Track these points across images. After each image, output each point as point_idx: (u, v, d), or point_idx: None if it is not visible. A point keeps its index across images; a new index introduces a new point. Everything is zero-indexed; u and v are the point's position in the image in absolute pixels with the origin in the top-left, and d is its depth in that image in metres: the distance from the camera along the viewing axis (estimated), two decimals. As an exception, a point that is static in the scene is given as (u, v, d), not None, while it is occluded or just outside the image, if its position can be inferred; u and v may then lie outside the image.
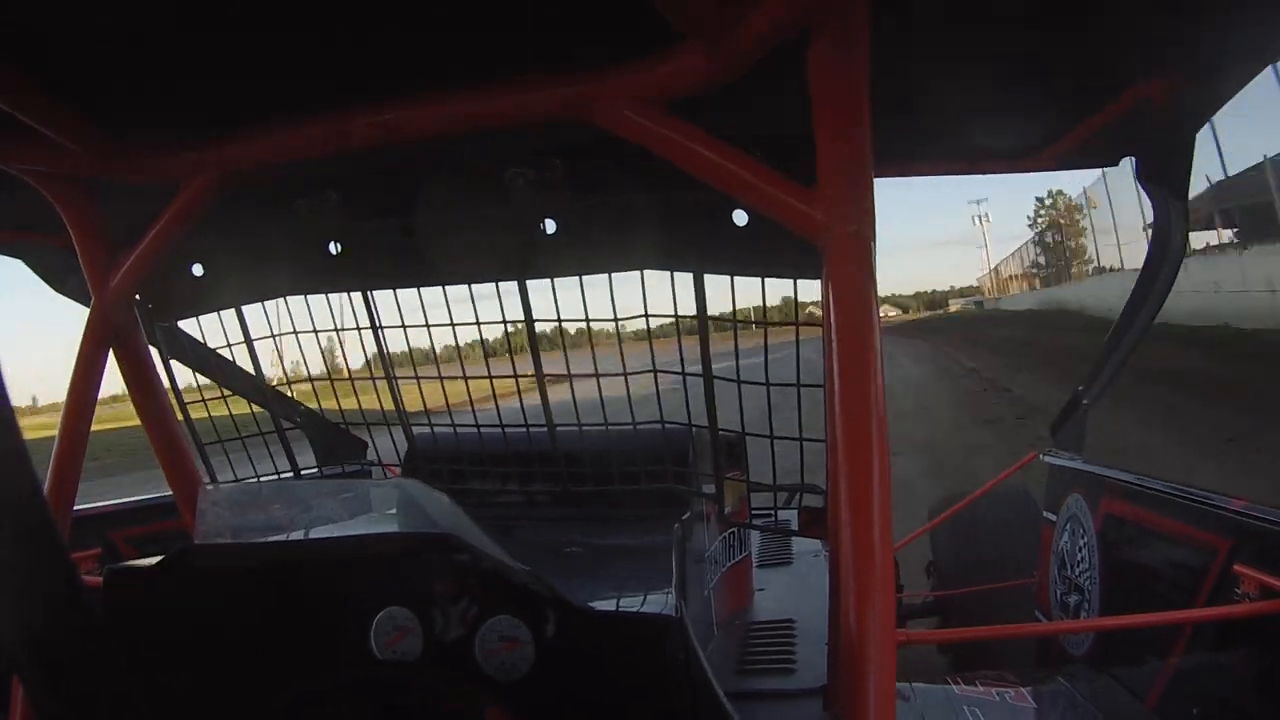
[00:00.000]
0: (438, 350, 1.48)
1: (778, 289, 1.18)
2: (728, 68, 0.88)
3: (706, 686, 0.86)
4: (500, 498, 1.46)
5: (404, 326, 1.39)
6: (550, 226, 1.22)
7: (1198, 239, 12.83)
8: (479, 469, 1.47)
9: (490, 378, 1.47)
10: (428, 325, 1.39)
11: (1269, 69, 1.25)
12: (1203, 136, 1.45)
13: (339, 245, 1.32)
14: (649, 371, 1.30)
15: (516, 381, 1.40)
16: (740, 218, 1.12)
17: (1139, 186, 1.53)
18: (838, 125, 0.87)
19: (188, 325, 1.55)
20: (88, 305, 1.28)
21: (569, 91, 0.97)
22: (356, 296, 1.38)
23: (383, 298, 1.39)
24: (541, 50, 0.97)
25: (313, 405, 1.90)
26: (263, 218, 1.32)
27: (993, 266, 52.65)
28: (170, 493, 1.43)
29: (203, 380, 1.72)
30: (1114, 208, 18.19)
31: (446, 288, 1.33)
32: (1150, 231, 1.69)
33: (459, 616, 0.98)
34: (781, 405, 1.27)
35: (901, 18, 0.88)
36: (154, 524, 2.07)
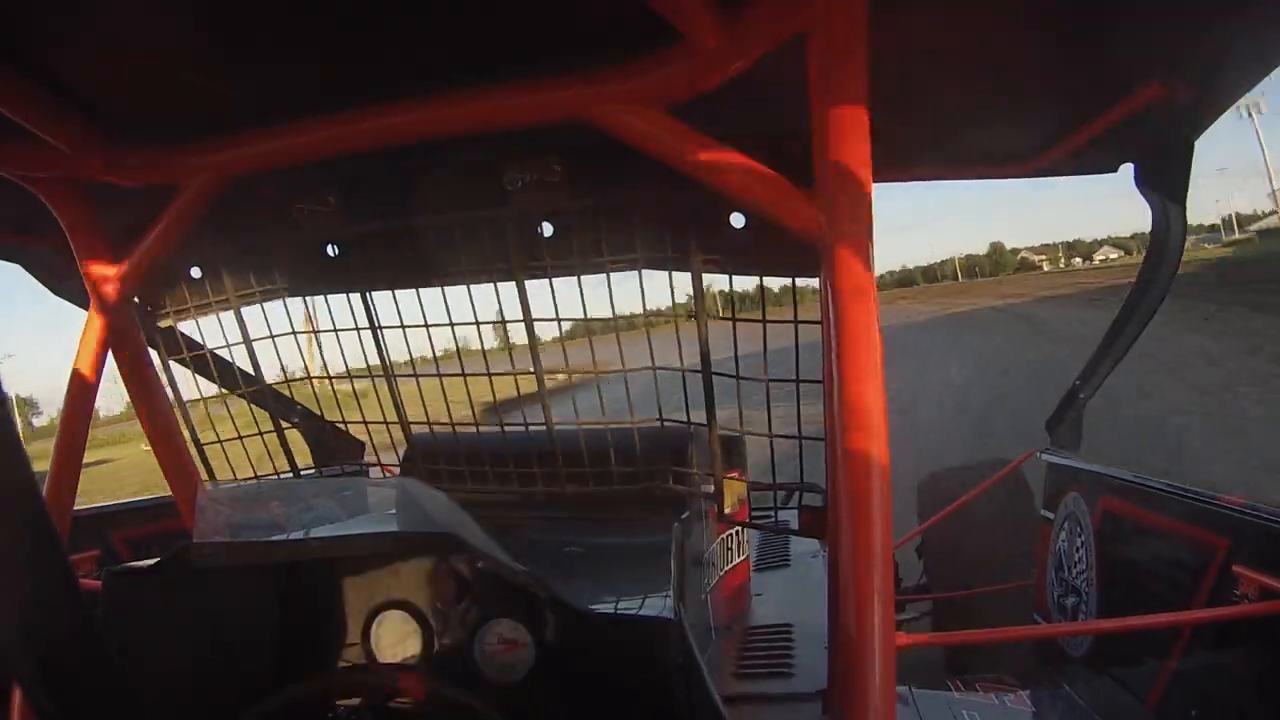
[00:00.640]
0: (437, 351, 1.48)
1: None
2: (726, 69, 0.88)
3: (703, 690, 0.86)
4: (499, 497, 1.46)
5: (403, 327, 1.39)
6: (549, 227, 1.22)
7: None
8: (477, 469, 1.46)
9: (490, 376, 1.46)
10: (426, 326, 1.39)
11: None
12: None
13: (337, 247, 1.32)
14: (648, 369, 1.30)
15: (516, 381, 1.40)
16: (739, 219, 1.12)
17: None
18: (837, 126, 0.87)
19: (187, 325, 1.55)
20: (86, 309, 1.28)
21: (568, 92, 0.97)
22: (355, 297, 1.38)
23: (382, 298, 1.39)
24: (541, 51, 0.97)
25: (312, 406, 1.90)
26: (262, 220, 1.32)
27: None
28: (169, 494, 1.42)
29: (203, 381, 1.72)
30: None
31: (445, 289, 1.33)
32: None
33: (459, 618, 0.98)
34: (784, 401, 1.27)
35: (901, 19, 0.88)
36: (152, 525, 2.06)
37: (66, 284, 1.65)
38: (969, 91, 1.22)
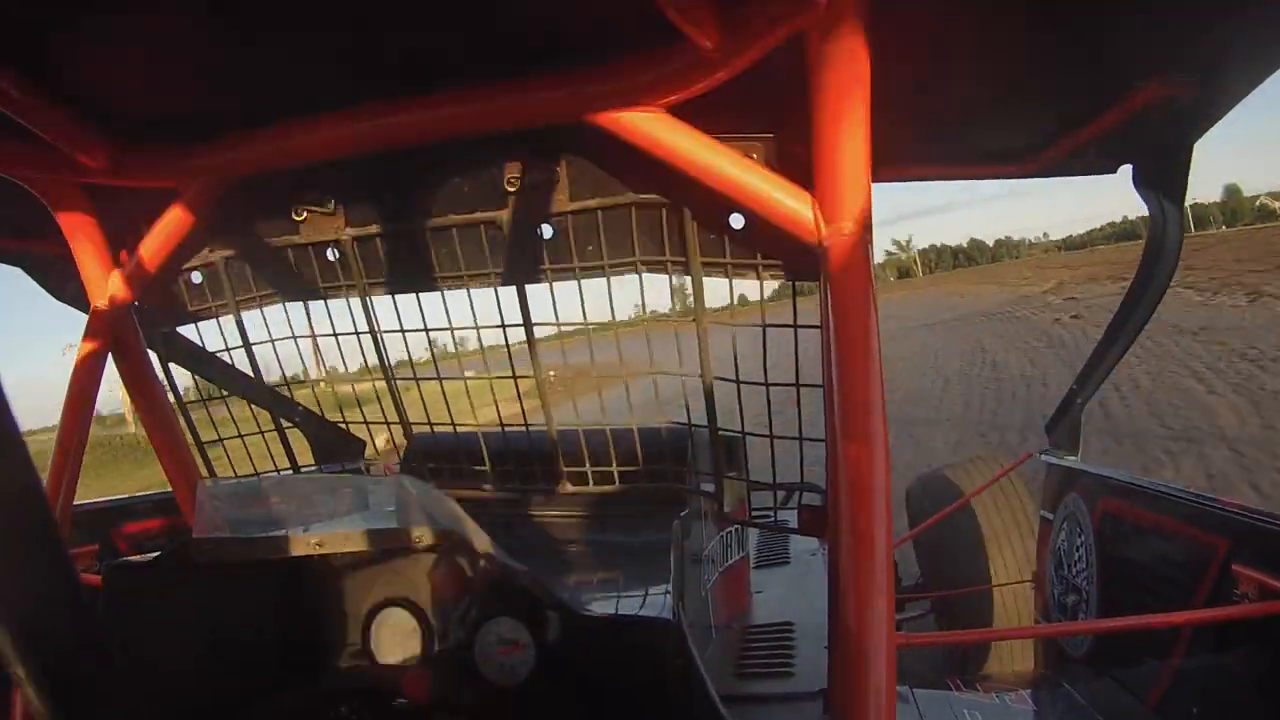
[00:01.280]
0: (437, 351, 1.48)
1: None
2: (727, 69, 0.89)
3: (703, 689, 0.86)
4: (499, 496, 1.46)
5: (403, 330, 1.40)
6: (549, 229, 1.22)
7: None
8: (478, 468, 1.46)
9: (490, 378, 1.47)
10: (426, 329, 1.39)
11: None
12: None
13: (337, 250, 1.32)
14: (648, 373, 1.30)
15: (516, 383, 1.40)
16: (739, 219, 1.12)
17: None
18: (836, 127, 0.87)
19: (187, 327, 1.55)
20: (87, 312, 1.28)
21: (569, 93, 0.97)
22: (355, 300, 1.38)
23: (381, 300, 1.39)
24: (541, 52, 0.97)
25: (312, 405, 1.90)
26: (262, 222, 1.32)
27: None
28: (168, 490, 1.43)
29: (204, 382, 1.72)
30: None
31: (445, 291, 1.33)
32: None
33: (459, 618, 0.98)
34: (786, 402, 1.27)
35: (900, 19, 0.88)
36: (152, 520, 2.07)
37: (67, 286, 1.66)
38: (968, 92, 1.22)
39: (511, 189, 1.18)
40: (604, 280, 1.25)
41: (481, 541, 0.90)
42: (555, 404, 1.39)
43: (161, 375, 1.42)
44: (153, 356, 1.42)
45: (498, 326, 1.33)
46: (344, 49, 0.97)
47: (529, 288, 1.27)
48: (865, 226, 0.89)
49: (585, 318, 1.31)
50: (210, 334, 1.45)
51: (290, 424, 1.80)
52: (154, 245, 1.24)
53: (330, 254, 1.33)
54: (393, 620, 1.02)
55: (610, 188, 1.16)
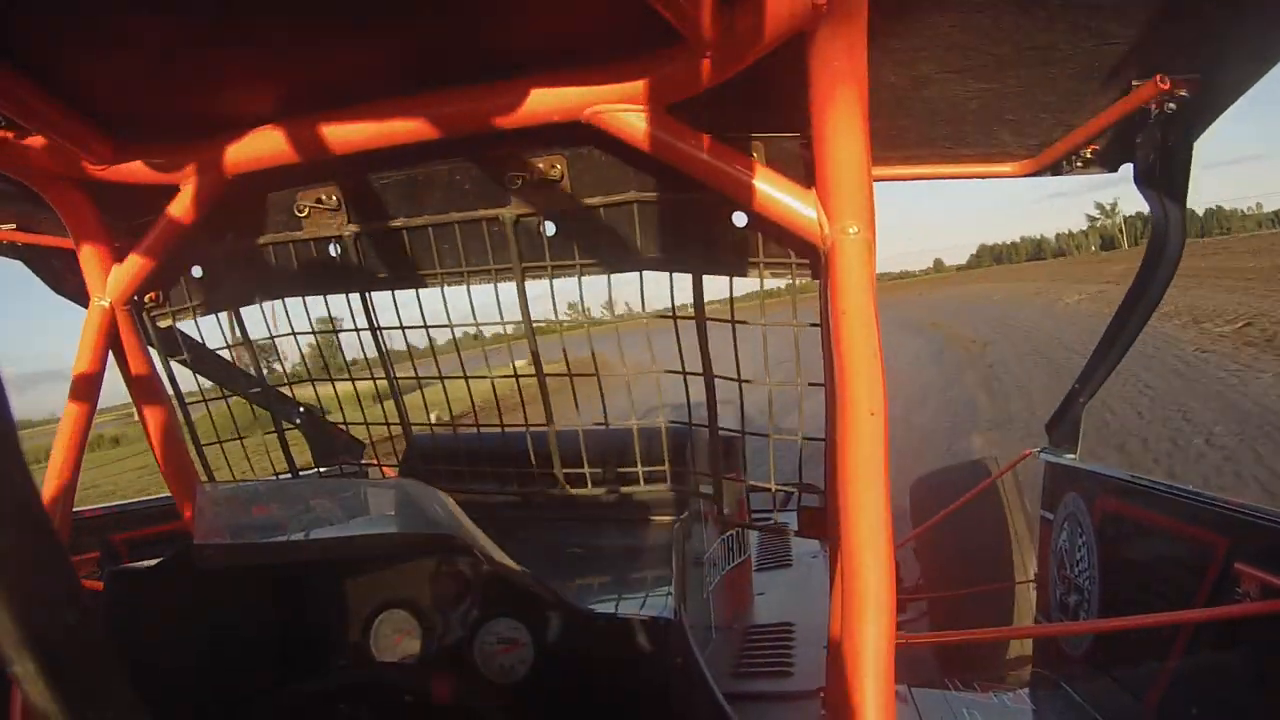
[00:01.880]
0: (436, 350, 1.48)
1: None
2: (727, 69, 0.88)
3: (706, 689, 0.86)
4: (499, 498, 1.46)
5: (403, 328, 1.40)
6: (550, 227, 1.22)
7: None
8: (477, 469, 1.46)
9: (491, 377, 1.47)
10: (426, 326, 1.39)
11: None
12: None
13: (338, 247, 1.32)
14: (649, 372, 1.30)
15: (517, 382, 1.40)
16: (740, 219, 1.12)
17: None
18: (836, 126, 0.87)
19: (187, 325, 1.55)
20: (87, 307, 1.28)
21: (569, 92, 0.97)
22: (355, 297, 1.38)
23: (381, 298, 1.39)
24: (541, 51, 0.97)
25: (312, 405, 1.89)
26: (262, 219, 1.32)
27: None
28: (168, 495, 1.43)
29: (204, 381, 1.72)
30: None
31: (445, 289, 1.33)
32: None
33: (459, 619, 0.98)
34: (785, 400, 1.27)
35: (900, 20, 0.88)
36: (153, 526, 2.07)
37: (68, 282, 1.66)
38: (968, 91, 1.22)
39: (513, 187, 1.18)
40: (605, 279, 1.25)
41: (481, 543, 0.90)
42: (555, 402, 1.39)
43: (162, 372, 1.42)
44: (153, 354, 1.42)
45: (498, 324, 1.33)
46: (344, 48, 0.97)
47: (530, 285, 1.28)
48: (867, 225, 0.89)
49: (586, 316, 1.31)
50: (211, 331, 1.45)
51: (290, 424, 1.79)
52: (155, 241, 1.24)
53: (332, 250, 1.33)
54: (393, 621, 1.02)
55: (612, 186, 1.16)
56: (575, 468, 1.39)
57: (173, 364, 1.46)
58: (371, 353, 1.47)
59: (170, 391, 1.43)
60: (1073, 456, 2.10)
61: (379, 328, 1.40)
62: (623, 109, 0.96)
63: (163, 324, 1.43)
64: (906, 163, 1.59)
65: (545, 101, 0.99)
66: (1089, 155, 1.51)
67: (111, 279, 1.27)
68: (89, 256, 1.26)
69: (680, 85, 0.93)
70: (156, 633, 0.93)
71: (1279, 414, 5.56)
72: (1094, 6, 0.98)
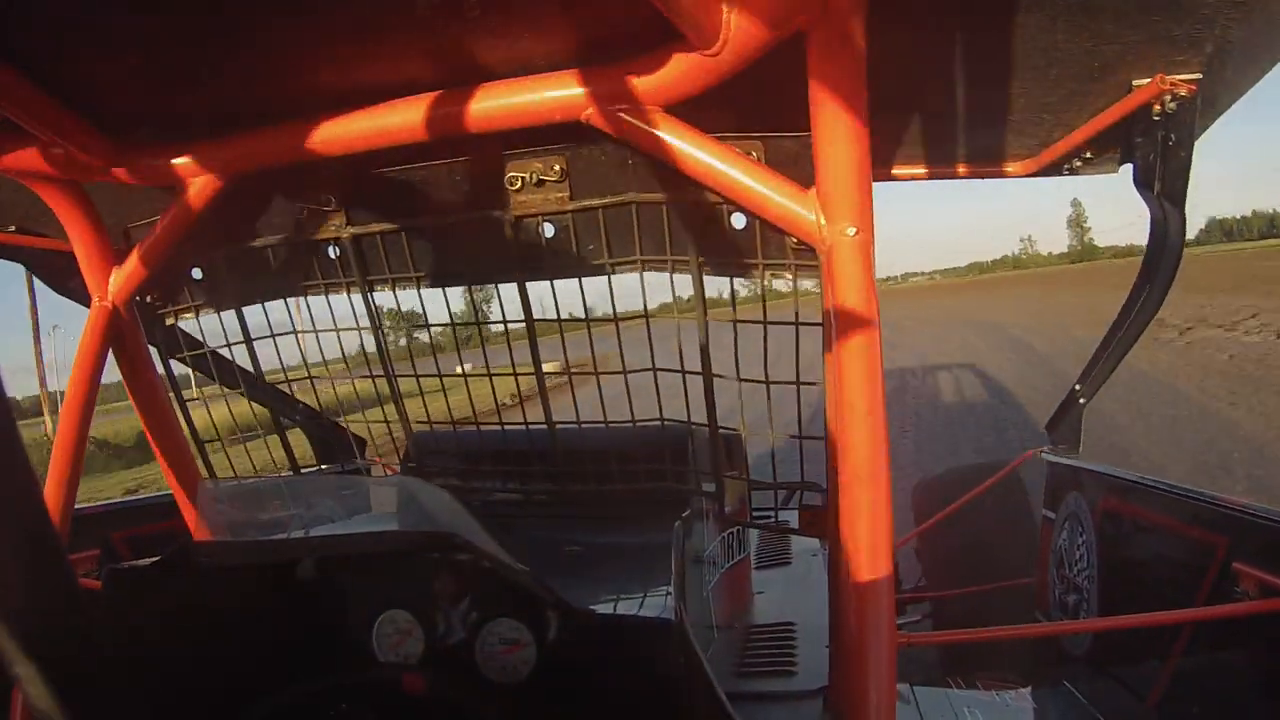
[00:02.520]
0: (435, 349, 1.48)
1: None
2: (726, 69, 0.88)
3: (708, 689, 0.86)
4: (499, 496, 1.46)
5: (404, 327, 1.40)
6: (550, 228, 1.22)
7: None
8: (478, 467, 1.46)
9: (490, 376, 1.47)
10: (428, 325, 1.39)
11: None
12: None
13: (339, 246, 1.33)
14: (649, 370, 1.30)
15: (516, 381, 1.40)
16: (739, 219, 1.12)
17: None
18: (836, 126, 0.87)
19: (187, 324, 1.55)
20: (88, 307, 1.28)
21: (568, 92, 0.97)
22: (355, 297, 1.39)
23: (382, 298, 1.40)
24: (541, 51, 0.97)
25: (312, 404, 1.89)
26: (262, 219, 1.33)
27: None
28: (168, 493, 1.43)
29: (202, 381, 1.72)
30: None
31: (446, 288, 1.33)
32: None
33: (460, 619, 0.98)
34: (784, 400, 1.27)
35: (900, 19, 0.88)
36: (152, 524, 2.06)
37: (68, 283, 1.66)
38: (968, 91, 1.22)
39: (513, 187, 1.18)
40: (605, 278, 1.25)
41: (482, 541, 0.90)
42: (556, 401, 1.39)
43: (162, 371, 1.42)
44: (153, 353, 1.42)
45: (499, 324, 1.34)
46: (343, 48, 0.97)
47: (530, 285, 1.28)
48: (866, 224, 0.89)
49: (587, 315, 1.31)
50: (211, 331, 1.45)
51: (290, 423, 1.80)
52: (155, 241, 1.24)
53: (331, 251, 1.33)
54: (394, 621, 1.02)
55: (612, 186, 1.16)
56: (576, 466, 1.39)
57: (173, 363, 1.46)
58: (372, 350, 1.47)
59: (170, 390, 1.43)
60: (1074, 457, 2.10)
61: (380, 328, 1.40)
62: (623, 109, 0.96)
63: (163, 324, 1.43)
64: (906, 163, 1.59)
65: (545, 101, 0.99)
66: (1089, 155, 1.51)
67: (112, 279, 1.27)
68: (89, 257, 1.26)
69: (680, 85, 0.93)
70: (156, 631, 0.93)
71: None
72: (1094, 7, 0.97)
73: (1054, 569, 2.07)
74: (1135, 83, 1.20)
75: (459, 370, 1.50)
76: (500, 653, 0.96)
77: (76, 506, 1.30)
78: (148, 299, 1.40)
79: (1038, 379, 9.02)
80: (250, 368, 1.50)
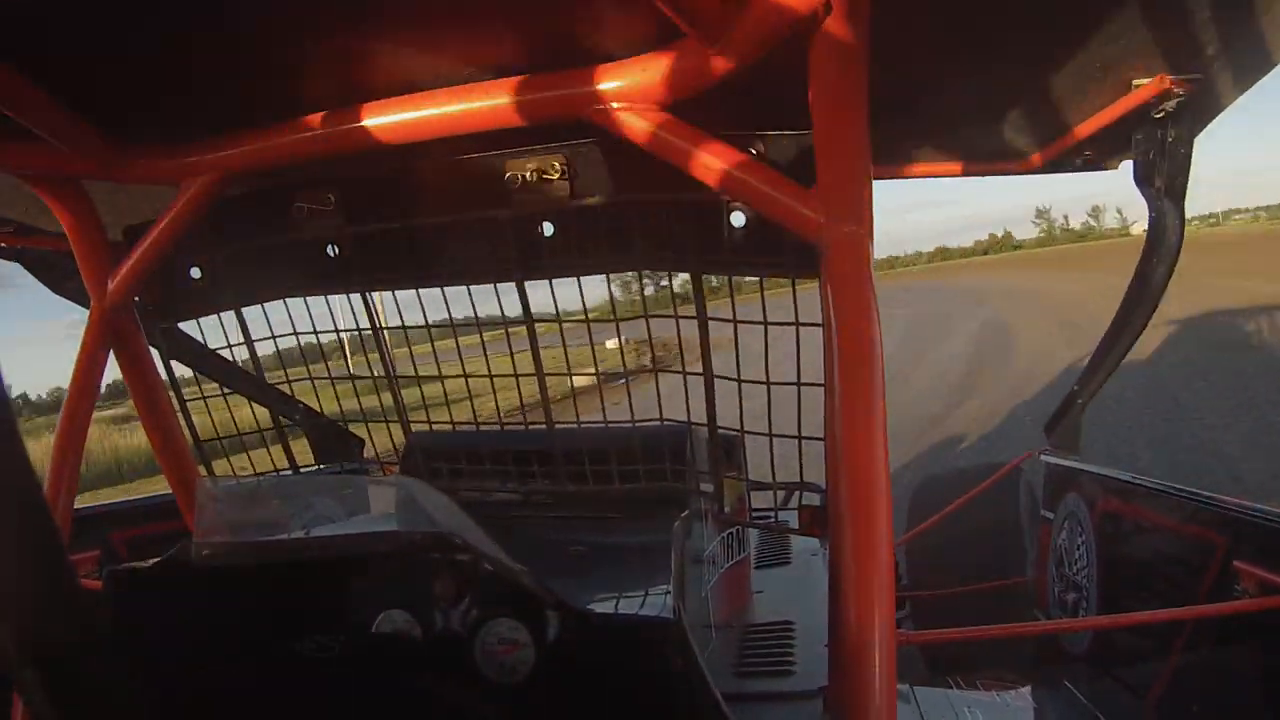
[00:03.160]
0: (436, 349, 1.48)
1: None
2: (726, 67, 0.88)
3: (705, 689, 0.86)
4: (499, 496, 1.46)
5: (404, 327, 1.40)
6: (549, 227, 1.22)
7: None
8: (477, 467, 1.46)
9: (491, 376, 1.46)
10: (428, 325, 1.39)
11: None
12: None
13: (338, 247, 1.33)
14: (649, 370, 1.30)
15: (517, 381, 1.40)
16: (739, 218, 1.12)
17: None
18: (837, 125, 0.87)
19: (187, 324, 1.55)
20: (87, 307, 1.28)
21: (568, 91, 0.97)
22: (356, 297, 1.39)
23: (382, 298, 1.40)
24: (541, 50, 0.97)
25: (312, 404, 1.89)
26: (262, 220, 1.33)
27: None
28: (168, 493, 1.43)
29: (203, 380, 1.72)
30: None
31: (445, 288, 1.33)
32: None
33: (459, 619, 0.98)
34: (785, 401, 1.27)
35: (901, 18, 0.88)
36: (153, 525, 2.07)
37: (67, 283, 1.66)
38: (969, 89, 1.22)
39: (513, 187, 1.18)
40: (605, 278, 1.25)
41: (481, 541, 0.90)
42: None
43: (162, 371, 1.42)
44: (153, 353, 1.42)
45: (499, 324, 1.33)
46: (343, 48, 0.97)
47: (529, 285, 1.27)
48: (866, 224, 0.88)
49: (586, 315, 1.31)
50: (211, 330, 1.45)
51: (290, 422, 1.80)
52: (155, 241, 1.23)
53: (330, 250, 1.33)
54: (392, 620, 1.02)
55: (612, 185, 1.16)
56: (575, 465, 1.39)
57: (173, 363, 1.46)
58: (371, 350, 1.47)
59: (170, 391, 1.43)
60: (1073, 457, 2.11)
61: (380, 327, 1.40)
62: (623, 107, 0.96)
63: (163, 324, 1.43)
64: (907, 160, 1.59)
65: (545, 101, 0.99)
66: (1089, 153, 1.52)
67: (111, 279, 1.27)
68: (89, 257, 1.26)
69: (680, 84, 0.93)
70: (156, 631, 0.93)
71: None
72: (1095, 6, 0.97)
73: (1053, 568, 2.08)
74: (1136, 82, 1.20)
75: (459, 371, 1.50)
76: (499, 652, 0.96)
77: (76, 506, 1.30)
78: (147, 299, 1.40)
79: None
80: (250, 368, 1.50)
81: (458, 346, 1.52)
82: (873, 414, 0.82)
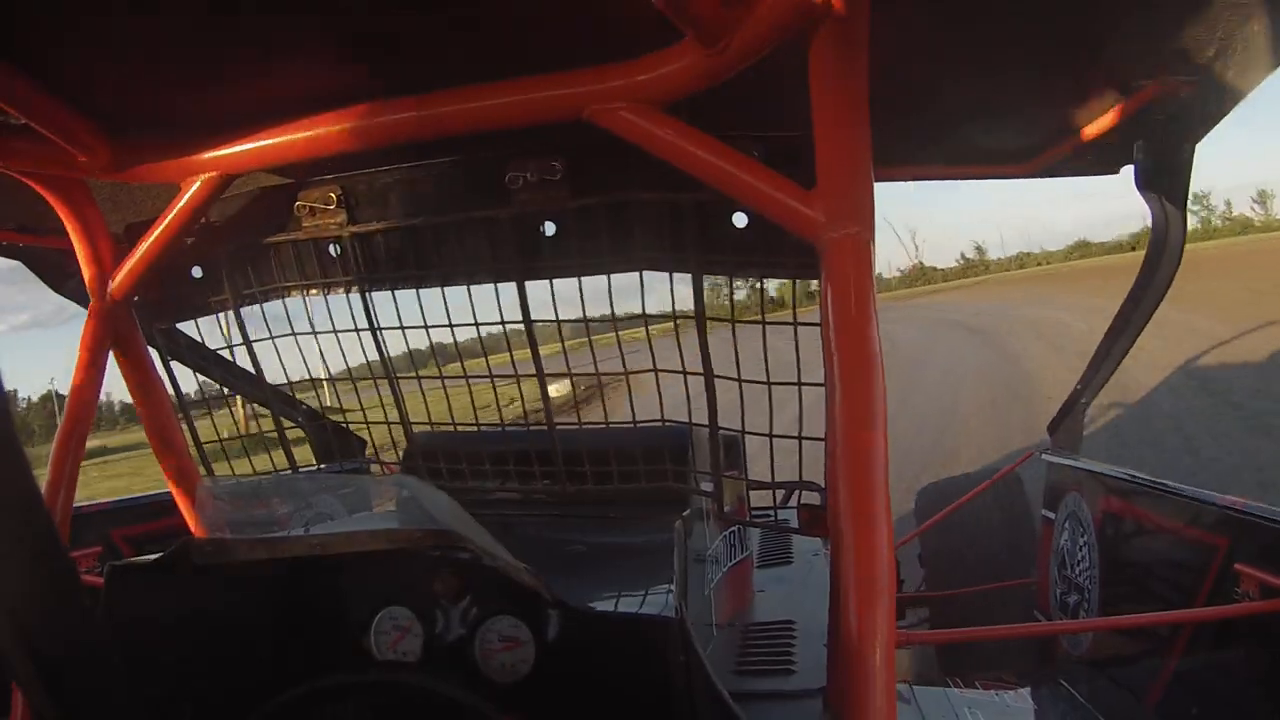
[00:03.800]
0: (437, 350, 1.48)
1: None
2: (727, 68, 0.88)
3: (709, 687, 0.86)
4: (499, 496, 1.46)
5: (403, 328, 1.40)
6: (550, 227, 1.22)
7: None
8: (478, 467, 1.47)
9: (491, 377, 1.47)
10: (426, 326, 1.39)
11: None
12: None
13: (338, 247, 1.33)
14: (649, 371, 1.30)
15: (518, 382, 1.40)
16: (740, 219, 1.12)
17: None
18: (837, 126, 0.87)
19: (187, 324, 1.55)
20: (87, 307, 1.28)
21: (568, 92, 0.97)
22: (355, 297, 1.39)
23: (382, 298, 1.39)
24: (541, 50, 0.97)
25: (312, 404, 1.90)
26: (262, 219, 1.33)
27: None
28: (169, 490, 1.43)
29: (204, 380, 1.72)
30: None
31: (445, 289, 1.33)
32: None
33: (459, 617, 0.98)
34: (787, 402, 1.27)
35: (902, 19, 0.88)
36: (153, 522, 2.07)
37: (68, 282, 1.66)
38: (969, 91, 1.22)
39: (513, 187, 1.18)
40: (605, 279, 1.25)
41: (482, 540, 0.90)
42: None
43: (162, 371, 1.42)
44: (153, 354, 1.42)
45: (499, 324, 1.34)
46: (344, 48, 0.97)
47: (530, 285, 1.27)
48: (867, 224, 0.89)
49: (585, 315, 1.31)
50: (210, 330, 1.45)
51: (290, 422, 1.80)
52: (155, 241, 1.24)
53: (331, 250, 1.33)
54: (393, 619, 1.02)
55: (612, 186, 1.16)
56: (576, 465, 1.39)
57: (173, 363, 1.46)
58: (372, 351, 1.47)
59: (170, 389, 1.43)
60: (1075, 457, 2.11)
61: (379, 328, 1.40)
62: (622, 108, 0.96)
63: (162, 324, 1.43)
64: (907, 163, 1.59)
65: (545, 101, 0.99)
66: (1090, 156, 1.52)
67: (112, 279, 1.27)
68: (89, 256, 1.26)
69: (680, 84, 0.93)
70: (157, 628, 0.93)
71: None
72: (1096, 8, 0.97)
73: (1054, 569, 2.08)
74: (1137, 84, 1.20)
75: (460, 371, 1.50)
76: (499, 650, 0.96)
77: (77, 505, 1.30)
78: (148, 298, 1.40)
79: None
80: (250, 367, 1.50)
81: (457, 348, 1.52)
82: (873, 414, 0.82)
